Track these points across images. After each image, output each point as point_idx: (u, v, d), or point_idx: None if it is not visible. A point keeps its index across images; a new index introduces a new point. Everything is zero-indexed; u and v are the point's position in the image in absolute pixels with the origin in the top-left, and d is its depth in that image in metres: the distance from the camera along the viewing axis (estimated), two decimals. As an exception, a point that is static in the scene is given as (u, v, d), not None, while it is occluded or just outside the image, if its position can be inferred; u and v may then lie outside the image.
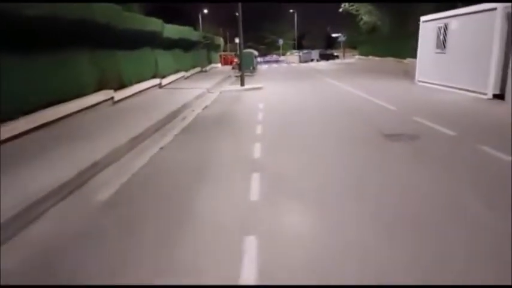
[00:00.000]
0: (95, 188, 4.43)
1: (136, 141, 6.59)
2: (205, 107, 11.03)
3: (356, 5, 44.64)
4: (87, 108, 8.94)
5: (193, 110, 10.46)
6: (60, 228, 3.45)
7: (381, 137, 6.30)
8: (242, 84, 15.69)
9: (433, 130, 6.69)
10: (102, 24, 9.75)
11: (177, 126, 8.22)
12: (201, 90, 14.25)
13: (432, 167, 4.73)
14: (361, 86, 13.93)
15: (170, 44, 17.15)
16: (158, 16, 16.87)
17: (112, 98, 10.43)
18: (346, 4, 46.00)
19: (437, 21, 12.98)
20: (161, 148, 6.27)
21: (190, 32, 21.36)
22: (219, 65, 36.41)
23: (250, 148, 5.97)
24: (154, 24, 14.38)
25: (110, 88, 10.59)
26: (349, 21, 48.96)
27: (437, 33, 12.85)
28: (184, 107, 10.68)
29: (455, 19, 11.89)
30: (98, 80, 10.02)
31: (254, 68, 25.05)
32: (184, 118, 9.26)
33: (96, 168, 4.99)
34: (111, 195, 4.20)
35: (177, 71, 18.45)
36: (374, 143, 6.03)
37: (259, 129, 7.42)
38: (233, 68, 27.74)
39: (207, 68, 27.35)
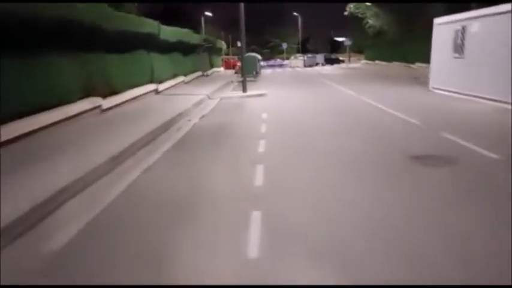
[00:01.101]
0: (49, 230, 3.43)
1: (117, 160, 5.60)
2: (203, 116, 10.05)
3: (362, 8, 43.74)
4: (69, 118, 7.97)
5: (190, 120, 9.49)
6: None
7: (409, 160, 5.26)
8: (244, 90, 14.70)
9: (469, 151, 5.64)
10: (87, 25, 8.80)
11: (169, 140, 7.23)
12: (199, 96, 13.29)
13: (491, 210, 3.65)
14: (373, 94, 12.90)
15: (168, 47, 16.23)
16: (160, 19, 16.03)
17: (100, 106, 9.47)
18: (352, 7, 45.09)
19: (454, 23, 11.97)
20: (145, 170, 5.27)
21: (189, 34, 20.45)
22: (222, 69, 35.51)
23: (250, 173, 4.95)
24: (149, 25, 13.43)
25: (98, 95, 9.64)
26: (354, 25, 48.05)
27: (455, 36, 11.84)
28: (180, 116, 9.71)
29: (476, 21, 10.88)
30: (83, 86, 9.07)
31: (257, 73, 24.11)
32: (178, 130, 8.28)
33: (57, 200, 3.99)
34: (67, 242, 3.20)
35: (175, 76, 17.52)
36: (402, 168, 4.99)
37: (261, 146, 6.41)
38: (236, 73, 26.80)
39: (209, 72, 26.43)
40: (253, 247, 3.02)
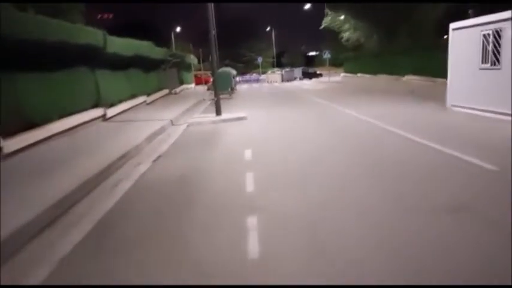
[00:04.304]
0: None
1: None
2: (159, 156, 6.99)
3: (339, 22, 42.00)
4: None
5: (139, 164, 6.44)
6: None
7: None
8: (218, 112, 11.72)
9: None
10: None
11: (88, 215, 4.15)
12: (161, 122, 10.25)
13: None
14: (380, 115, 10.19)
15: (121, 63, 13.11)
16: (129, 35, 13.03)
17: (-1, 149, 6.26)
18: (328, 21, 43.29)
19: (481, 27, 9.55)
20: None
21: (151, 48, 17.31)
22: (193, 85, 32.51)
23: None
24: (90, 35, 10.22)
25: (2, 131, 6.45)
26: (330, 39, 46.32)
27: (484, 42, 9.40)
28: (126, 156, 6.66)
29: (516, 22, 8.45)
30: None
31: (233, 89, 21.28)
32: (113, 188, 5.21)
33: None
34: None
35: (134, 96, 14.38)
36: None
37: (252, 236, 3.41)
38: (208, 89, 23.81)
39: (177, 89, 23.35)
40: None
